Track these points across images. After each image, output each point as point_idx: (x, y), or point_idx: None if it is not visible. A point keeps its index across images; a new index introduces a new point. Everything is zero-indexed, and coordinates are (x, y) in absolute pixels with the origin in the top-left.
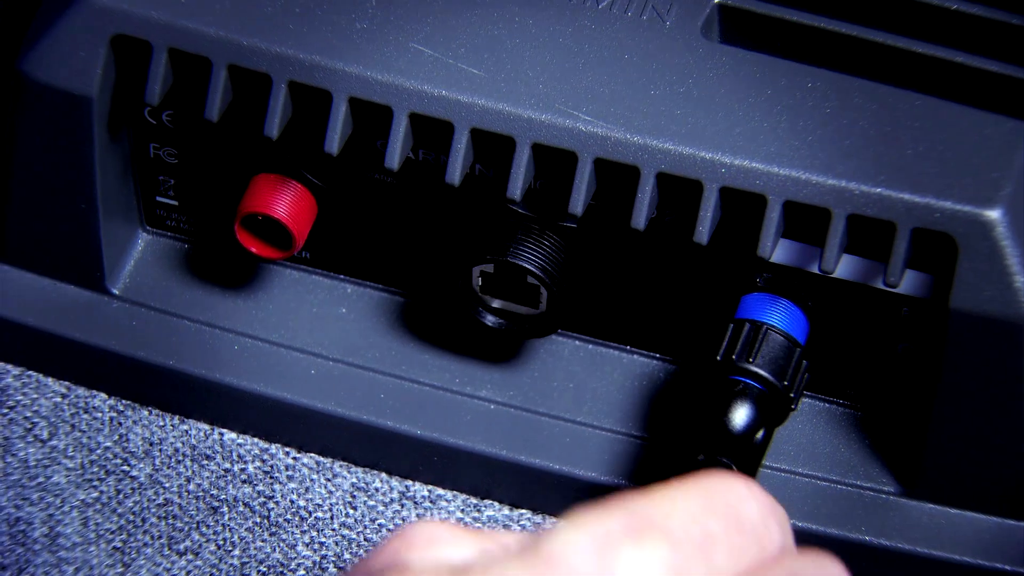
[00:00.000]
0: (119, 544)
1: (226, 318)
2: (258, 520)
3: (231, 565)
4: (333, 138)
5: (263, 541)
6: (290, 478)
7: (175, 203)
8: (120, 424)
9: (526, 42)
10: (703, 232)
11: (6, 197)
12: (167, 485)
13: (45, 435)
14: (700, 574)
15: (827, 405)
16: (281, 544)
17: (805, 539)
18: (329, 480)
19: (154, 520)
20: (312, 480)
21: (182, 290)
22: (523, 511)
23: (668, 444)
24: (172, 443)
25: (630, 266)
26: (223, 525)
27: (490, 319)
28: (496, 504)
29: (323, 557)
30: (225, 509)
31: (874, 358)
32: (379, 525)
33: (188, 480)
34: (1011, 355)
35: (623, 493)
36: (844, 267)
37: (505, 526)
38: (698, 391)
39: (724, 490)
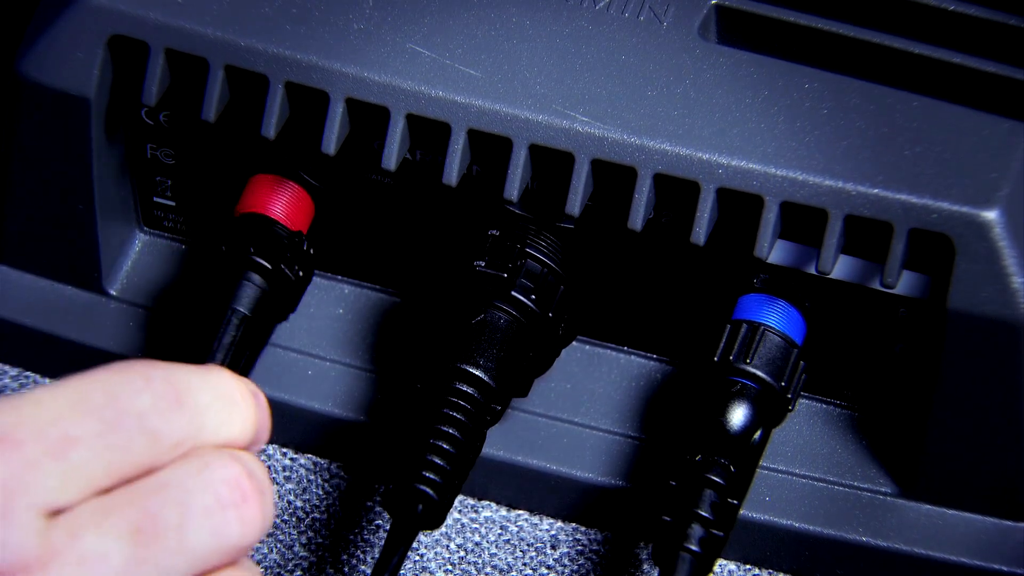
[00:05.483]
0: None
1: None
2: None
3: None
4: (330, 139)
5: (260, 542)
6: (287, 479)
7: (172, 204)
8: None
9: (523, 43)
10: (700, 233)
11: (3, 198)
12: None
13: None
14: (50, 474)
15: (824, 406)
16: (278, 545)
17: (803, 540)
18: (326, 481)
19: None
20: (309, 481)
21: (179, 291)
22: (520, 511)
23: (665, 445)
24: None
25: (627, 267)
26: None
27: None
28: (493, 505)
29: (320, 558)
30: None
31: (871, 359)
32: (376, 525)
33: None
34: (1008, 356)
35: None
36: (841, 268)
37: (502, 527)
38: (695, 392)
39: (110, 385)
